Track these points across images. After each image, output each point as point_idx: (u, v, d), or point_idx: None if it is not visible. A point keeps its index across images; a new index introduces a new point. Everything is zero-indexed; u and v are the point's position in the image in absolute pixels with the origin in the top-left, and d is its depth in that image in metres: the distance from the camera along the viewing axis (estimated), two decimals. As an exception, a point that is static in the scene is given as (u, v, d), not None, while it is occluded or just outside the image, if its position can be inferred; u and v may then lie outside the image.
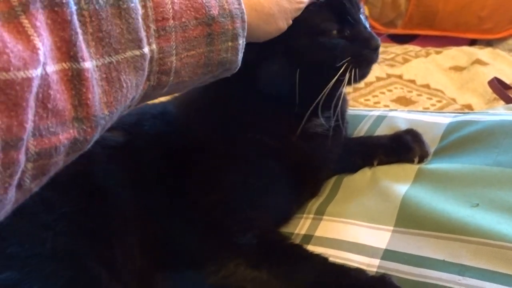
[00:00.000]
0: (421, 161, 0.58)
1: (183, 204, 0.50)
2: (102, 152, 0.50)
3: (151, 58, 0.33)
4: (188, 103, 0.58)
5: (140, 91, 0.33)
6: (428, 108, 1.08)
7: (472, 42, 2.02)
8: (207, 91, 0.52)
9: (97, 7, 0.29)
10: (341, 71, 0.51)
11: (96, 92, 0.29)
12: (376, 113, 0.72)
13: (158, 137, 0.54)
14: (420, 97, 1.14)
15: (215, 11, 0.37)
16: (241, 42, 0.39)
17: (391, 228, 0.49)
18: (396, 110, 0.74)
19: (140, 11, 0.32)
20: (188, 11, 0.35)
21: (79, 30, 0.28)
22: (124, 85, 0.31)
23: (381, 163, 0.61)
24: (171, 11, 0.34)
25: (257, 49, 0.46)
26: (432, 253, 0.45)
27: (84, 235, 0.43)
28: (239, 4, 0.39)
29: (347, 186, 0.60)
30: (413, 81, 1.22)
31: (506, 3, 1.98)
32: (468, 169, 0.54)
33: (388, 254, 0.46)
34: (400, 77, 1.24)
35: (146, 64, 0.33)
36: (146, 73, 0.33)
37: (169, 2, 0.34)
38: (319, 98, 0.52)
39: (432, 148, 0.60)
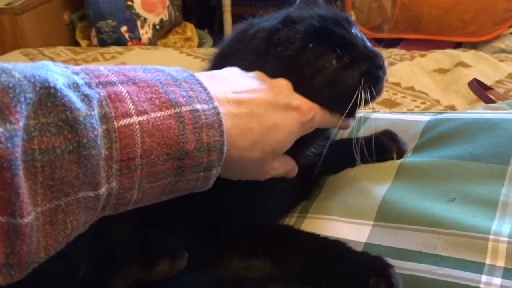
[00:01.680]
0: (399, 158, 0.60)
1: (180, 206, 0.51)
2: None
3: (109, 194, 0.31)
4: None
5: (89, 224, 0.32)
6: (412, 110, 1.10)
7: (457, 45, 2.06)
8: None
9: (52, 157, 0.28)
10: (358, 95, 0.49)
11: (33, 242, 0.28)
12: (359, 114, 0.74)
13: None
14: (404, 99, 1.16)
15: (190, 146, 0.34)
16: (215, 171, 0.37)
17: (371, 222, 0.51)
18: (378, 111, 0.76)
19: (103, 154, 0.30)
20: (159, 148, 0.33)
21: (22, 188, 0.27)
22: (70, 226, 0.29)
23: (362, 163, 0.62)
24: (139, 150, 0.32)
25: None
26: (409, 244, 0.46)
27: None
28: (221, 135, 0.36)
29: (331, 185, 0.61)
30: (398, 84, 1.24)
31: (490, 7, 2.02)
32: (446, 164, 0.56)
33: (368, 247, 0.48)
34: (385, 80, 1.26)
35: (101, 203, 0.31)
36: (99, 209, 0.31)
37: (139, 142, 0.32)
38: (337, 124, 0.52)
39: (412, 144, 0.63)
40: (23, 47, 1.67)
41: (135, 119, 0.32)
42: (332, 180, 0.62)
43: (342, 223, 0.53)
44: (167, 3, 2.16)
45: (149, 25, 2.09)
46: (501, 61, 1.33)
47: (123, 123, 0.31)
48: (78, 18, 2.16)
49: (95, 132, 0.29)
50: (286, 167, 0.49)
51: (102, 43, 2.00)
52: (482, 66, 1.29)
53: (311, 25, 0.49)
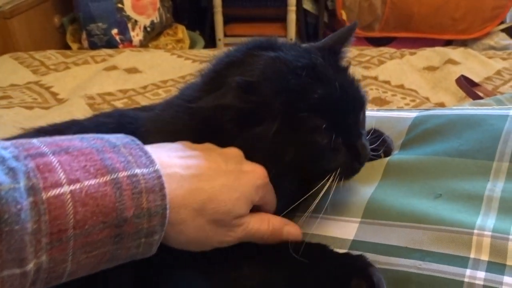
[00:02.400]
0: (387, 156, 0.61)
1: None
2: None
3: (38, 269, 0.30)
4: None
5: None
6: (402, 108, 1.11)
7: (448, 43, 2.08)
8: None
9: None
10: (328, 178, 0.48)
11: None
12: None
13: None
14: (394, 97, 1.16)
15: (129, 213, 0.33)
16: (158, 237, 0.35)
17: (358, 220, 0.51)
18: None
19: (29, 228, 0.29)
20: (95, 217, 0.31)
21: None
22: None
23: None
24: (71, 221, 0.30)
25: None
26: (395, 240, 0.47)
27: None
28: (162, 199, 0.34)
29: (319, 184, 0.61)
30: (388, 82, 1.25)
31: (479, 4, 2.04)
32: (432, 160, 0.56)
33: (355, 244, 0.48)
34: (375, 78, 1.27)
35: (29, 279, 0.29)
36: (28, 286, 0.30)
37: (71, 212, 0.30)
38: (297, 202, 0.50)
39: (399, 140, 0.63)
40: (13, 52, 1.66)
41: (66, 188, 0.30)
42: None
43: (330, 221, 0.53)
44: (158, 5, 2.16)
45: (140, 27, 2.09)
46: (490, 58, 1.34)
47: (53, 194, 0.30)
48: (69, 21, 2.16)
49: (18, 206, 0.28)
50: (263, 226, 0.45)
51: (93, 46, 1.99)
52: (471, 63, 1.30)
53: (329, 97, 0.46)
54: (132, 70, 1.41)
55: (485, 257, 0.43)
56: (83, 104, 1.19)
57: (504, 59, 1.34)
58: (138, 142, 0.37)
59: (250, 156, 0.46)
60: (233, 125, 0.45)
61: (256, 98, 0.44)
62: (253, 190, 0.43)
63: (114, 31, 2.03)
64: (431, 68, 1.31)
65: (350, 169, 0.49)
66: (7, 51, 1.67)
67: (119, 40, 2.04)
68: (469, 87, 0.88)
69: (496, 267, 0.42)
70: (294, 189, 0.50)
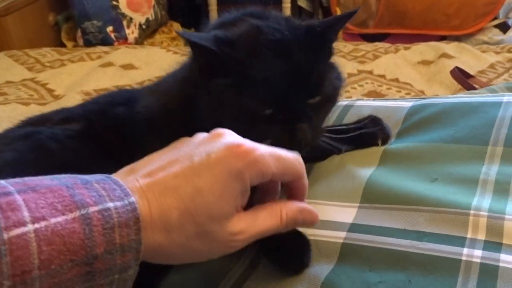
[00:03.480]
0: (384, 143, 0.61)
1: None
2: (57, 146, 0.52)
3: None
4: (155, 100, 0.58)
5: None
6: (397, 100, 1.12)
7: (442, 39, 2.09)
8: (176, 100, 0.55)
9: None
10: None
11: None
12: (343, 102, 0.75)
13: (119, 124, 0.56)
14: (389, 91, 1.18)
15: (99, 250, 0.31)
16: (132, 272, 0.33)
17: (357, 204, 0.52)
18: (362, 99, 0.77)
19: None
20: (62, 256, 0.30)
21: None
22: None
23: (348, 150, 0.63)
24: (36, 261, 0.29)
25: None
26: (393, 223, 0.47)
27: None
28: (137, 233, 0.32)
29: (317, 172, 0.62)
30: (383, 76, 1.26)
31: (472, 0, 2.05)
32: (428, 147, 0.57)
33: (354, 228, 0.49)
34: (370, 72, 1.28)
35: None
36: None
37: (35, 252, 0.29)
38: None
39: (395, 129, 0.64)
40: (7, 50, 1.66)
41: (30, 227, 0.29)
42: (318, 167, 0.63)
43: (328, 206, 0.54)
44: (153, 2, 2.16)
45: (135, 25, 2.09)
46: (483, 52, 1.36)
47: (15, 233, 0.29)
48: (63, 19, 2.15)
49: None
50: (275, 221, 0.38)
51: (88, 44, 1.99)
52: (465, 57, 1.31)
53: (282, 76, 0.48)
54: (128, 67, 1.41)
55: (481, 236, 0.43)
56: (80, 100, 1.19)
57: (497, 53, 1.36)
58: (113, 178, 0.35)
59: (211, 110, 0.51)
60: (204, 74, 0.50)
61: (229, 51, 0.48)
62: (234, 179, 0.35)
63: (109, 28, 2.03)
64: (425, 62, 1.32)
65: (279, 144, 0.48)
66: (1, 49, 1.66)
67: (114, 38, 2.04)
68: (463, 78, 0.89)
69: (492, 245, 0.43)
70: None
